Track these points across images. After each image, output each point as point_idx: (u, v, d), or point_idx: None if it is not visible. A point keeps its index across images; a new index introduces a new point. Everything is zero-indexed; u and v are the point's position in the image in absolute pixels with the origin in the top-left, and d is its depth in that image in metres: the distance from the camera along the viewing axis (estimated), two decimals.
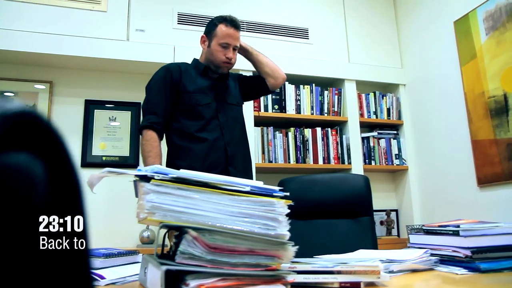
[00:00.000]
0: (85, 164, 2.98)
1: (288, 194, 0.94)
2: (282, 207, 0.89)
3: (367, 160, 3.35)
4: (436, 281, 1.06)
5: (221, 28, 2.02)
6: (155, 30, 3.02)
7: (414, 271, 1.17)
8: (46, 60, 2.92)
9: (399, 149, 3.47)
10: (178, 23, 3.09)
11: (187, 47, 3.05)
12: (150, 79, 2.10)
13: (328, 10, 3.54)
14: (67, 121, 3.02)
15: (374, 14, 3.67)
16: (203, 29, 3.15)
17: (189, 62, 2.22)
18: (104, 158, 3.05)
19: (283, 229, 0.88)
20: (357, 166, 3.24)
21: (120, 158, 3.07)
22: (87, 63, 2.99)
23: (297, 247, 0.89)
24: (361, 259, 1.11)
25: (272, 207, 0.88)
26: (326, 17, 3.51)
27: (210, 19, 2.15)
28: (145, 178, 0.87)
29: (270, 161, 3.05)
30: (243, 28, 3.24)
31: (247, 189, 0.89)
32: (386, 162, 3.41)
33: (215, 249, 0.82)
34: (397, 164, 3.44)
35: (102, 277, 1.09)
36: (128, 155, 3.10)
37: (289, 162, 3.10)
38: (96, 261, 1.16)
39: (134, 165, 3.07)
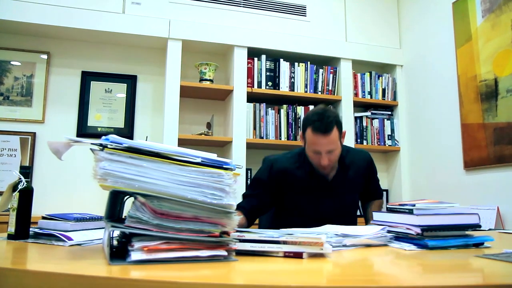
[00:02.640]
0: (81, 134, 3.05)
1: (241, 166, 0.99)
2: (230, 178, 0.94)
3: (359, 140, 3.38)
4: (381, 256, 1.11)
5: (309, 134, 1.80)
6: (151, 3, 3.03)
7: (368, 246, 1.22)
8: (44, 31, 2.96)
9: (392, 130, 3.48)
10: None
11: (183, 21, 3.07)
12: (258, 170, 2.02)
13: None
14: (64, 92, 3.08)
15: None
16: (199, 3, 3.18)
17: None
18: (99, 129, 3.12)
19: (230, 199, 0.93)
20: (349, 145, 3.27)
21: (115, 130, 3.14)
22: (83, 35, 3.03)
23: (241, 216, 0.95)
24: (309, 231, 1.16)
25: (220, 178, 0.93)
26: None
27: (306, 115, 1.93)
28: (101, 146, 0.92)
29: (261, 137, 3.10)
30: (239, 3, 3.24)
31: (198, 160, 0.94)
32: (378, 143, 3.43)
33: (162, 215, 0.88)
34: (389, 145, 3.46)
35: (70, 239, 1.16)
36: (123, 126, 3.16)
37: (280, 139, 3.15)
38: (66, 224, 1.23)
39: (129, 137, 3.13)
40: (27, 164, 2.89)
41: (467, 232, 1.22)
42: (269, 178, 1.91)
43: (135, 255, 0.82)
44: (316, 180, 1.91)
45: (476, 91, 2.71)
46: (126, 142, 0.90)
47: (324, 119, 1.76)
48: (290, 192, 1.93)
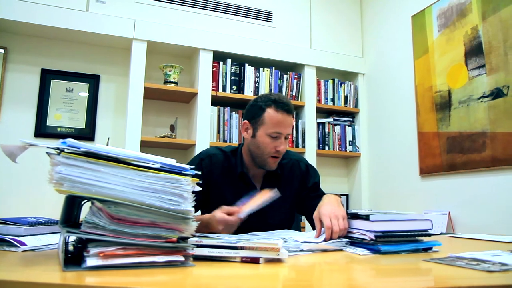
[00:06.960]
0: (39, 134, 2.96)
1: (199, 172, 1.00)
2: (188, 184, 0.95)
3: (321, 145, 3.45)
4: (336, 260, 1.14)
5: (270, 114, 1.61)
6: (116, 2, 2.99)
7: (324, 251, 1.26)
8: (1, 25, 2.85)
9: (353, 136, 3.58)
10: None
11: (148, 22, 3.04)
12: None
13: None
14: (21, 90, 2.97)
15: (340, 2, 3.72)
16: (165, 4, 3.17)
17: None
18: (59, 129, 3.03)
19: (188, 205, 0.94)
20: (311, 151, 3.34)
21: (75, 130, 3.06)
22: (44, 32, 2.94)
23: (198, 222, 0.96)
24: (265, 237, 1.18)
25: (179, 184, 0.94)
26: (291, 1, 3.54)
27: (254, 101, 1.74)
28: (58, 150, 0.91)
29: (224, 141, 3.11)
30: (206, 7, 3.24)
31: (157, 165, 0.94)
32: (340, 148, 3.52)
33: (119, 220, 0.88)
34: (350, 151, 3.55)
35: (23, 244, 1.13)
36: (84, 127, 3.09)
37: None
38: (19, 228, 1.20)
39: (90, 138, 3.07)
40: None
41: (417, 237, 1.28)
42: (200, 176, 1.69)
43: (90, 261, 0.81)
44: (244, 187, 1.71)
45: (432, 101, 2.84)
46: (84, 147, 0.89)
47: (284, 99, 1.65)
48: (216, 196, 1.70)
